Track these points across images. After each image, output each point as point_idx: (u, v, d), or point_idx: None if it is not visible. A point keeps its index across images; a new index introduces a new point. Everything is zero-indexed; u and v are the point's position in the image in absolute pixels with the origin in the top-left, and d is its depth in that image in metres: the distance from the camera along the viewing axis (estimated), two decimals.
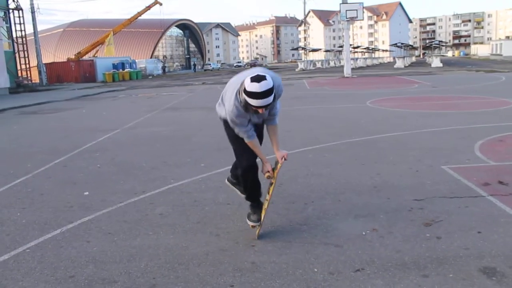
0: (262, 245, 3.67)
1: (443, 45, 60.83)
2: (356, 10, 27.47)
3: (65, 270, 3.43)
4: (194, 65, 78.80)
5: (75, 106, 18.49)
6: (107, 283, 3.19)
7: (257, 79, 3.16)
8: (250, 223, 3.91)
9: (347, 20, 28.21)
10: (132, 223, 4.39)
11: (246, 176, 3.80)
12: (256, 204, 3.93)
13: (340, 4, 28.02)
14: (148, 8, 60.44)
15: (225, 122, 3.76)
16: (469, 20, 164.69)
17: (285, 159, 3.77)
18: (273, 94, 3.21)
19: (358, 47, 73.51)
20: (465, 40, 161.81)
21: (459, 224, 3.92)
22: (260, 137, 3.86)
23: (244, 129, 3.55)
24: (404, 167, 5.94)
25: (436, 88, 18.60)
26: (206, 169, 6.29)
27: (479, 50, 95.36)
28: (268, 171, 3.75)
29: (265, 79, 3.17)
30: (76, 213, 4.76)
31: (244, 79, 3.28)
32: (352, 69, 35.87)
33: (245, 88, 3.19)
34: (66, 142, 9.26)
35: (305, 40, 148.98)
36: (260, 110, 3.29)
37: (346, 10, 27.40)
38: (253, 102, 3.18)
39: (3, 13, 37.20)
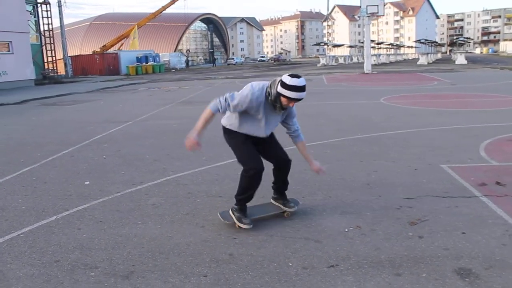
0: (244, 238, 3.73)
1: (468, 42, 59.48)
2: (377, 5, 27.12)
3: (52, 255, 3.56)
4: (214, 59, 79.05)
5: (94, 98, 18.82)
6: (88, 268, 3.30)
7: (296, 76, 3.59)
8: (245, 226, 3.92)
9: (368, 16, 27.90)
10: (124, 212, 4.51)
11: (257, 177, 3.88)
12: (244, 208, 4.05)
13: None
14: (173, 2, 60.88)
15: (227, 131, 4.05)
16: (499, 16, 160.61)
17: (323, 171, 4.26)
18: (306, 92, 3.61)
19: (381, 43, 72.54)
20: (495, 37, 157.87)
21: (445, 224, 3.89)
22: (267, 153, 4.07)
23: (225, 105, 3.75)
24: (403, 164, 5.91)
25: (455, 86, 18.29)
26: (206, 162, 6.37)
27: (508, 47, 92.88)
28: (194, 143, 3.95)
29: (302, 77, 3.62)
30: (74, 201, 4.90)
31: (274, 80, 3.68)
32: (374, 65, 35.53)
33: (285, 84, 3.54)
34: (78, 133, 9.47)
35: (329, 35, 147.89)
36: (291, 104, 3.64)
37: (367, 6, 27.08)
38: (292, 94, 3.54)
39: (31, 7, 38.03)
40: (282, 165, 4.10)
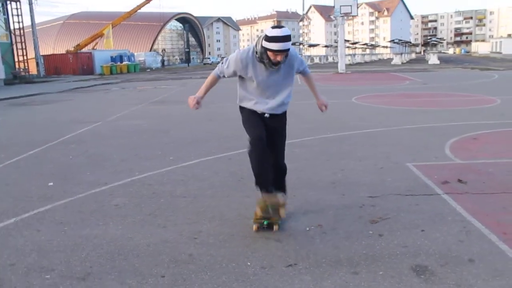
0: (204, 238, 3.70)
1: (441, 42, 60.58)
2: (351, 5, 27.39)
3: (8, 258, 3.47)
4: (184, 59, 78.63)
5: (66, 98, 18.51)
6: (44, 271, 3.22)
7: (278, 27, 3.46)
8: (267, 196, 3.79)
9: (341, 16, 28.14)
10: (86, 213, 4.43)
11: (254, 146, 3.74)
12: (267, 192, 3.80)
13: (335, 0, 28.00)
14: (148, 1, 60.37)
15: (240, 109, 3.98)
16: (471, 18, 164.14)
17: (326, 108, 4.21)
18: (290, 42, 3.47)
19: (356, 43, 73.29)
20: (467, 38, 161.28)
21: (405, 222, 3.93)
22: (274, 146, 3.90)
23: (221, 69, 3.82)
24: (369, 163, 5.96)
25: (426, 85, 18.61)
26: (173, 162, 6.31)
27: (480, 48, 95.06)
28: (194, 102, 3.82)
29: (284, 27, 3.48)
30: (35, 203, 4.79)
31: (259, 37, 3.58)
32: (349, 65, 35.88)
33: (266, 36, 3.43)
34: (46, 133, 9.29)
35: (306, 35, 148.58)
36: (278, 57, 3.49)
37: (341, 6, 27.33)
38: (274, 46, 3.41)
39: (0, 5, 37.15)
40: (274, 168, 3.90)
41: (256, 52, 3.59)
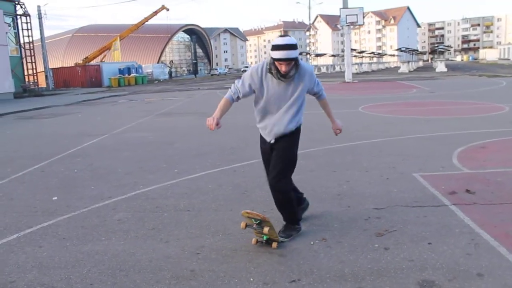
0: (207, 253, 3.65)
1: (448, 49, 60.38)
2: (356, 15, 27.40)
3: (8, 275, 3.44)
4: (196, 70, 78.95)
5: (73, 111, 18.61)
6: None
7: (283, 35, 3.50)
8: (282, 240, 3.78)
9: (347, 25, 28.14)
10: (89, 228, 4.40)
11: (271, 191, 3.83)
12: (291, 223, 3.90)
13: (340, 9, 27.97)
14: (155, 13, 60.91)
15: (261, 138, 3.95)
16: (478, 24, 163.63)
17: (340, 131, 4.26)
18: (296, 51, 3.44)
19: (363, 51, 73.25)
20: (474, 45, 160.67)
21: (412, 234, 3.85)
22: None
23: (235, 88, 3.75)
24: (375, 174, 5.89)
25: (433, 94, 18.49)
26: (177, 175, 6.28)
27: (488, 55, 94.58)
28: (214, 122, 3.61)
29: (289, 36, 3.50)
30: (39, 218, 4.77)
31: None
32: (356, 74, 35.82)
33: (272, 45, 3.47)
34: (52, 147, 9.31)
35: (313, 44, 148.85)
36: (283, 67, 3.47)
37: (346, 15, 27.35)
38: (276, 54, 3.42)
39: (10, 19, 37.64)
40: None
41: (268, 64, 3.60)
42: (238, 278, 3.19)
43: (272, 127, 3.75)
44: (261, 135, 3.93)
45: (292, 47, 3.41)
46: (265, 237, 3.67)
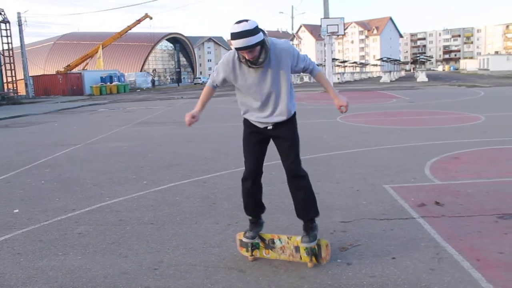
0: (165, 269, 3.53)
1: (429, 60, 61.18)
2: (337, 25, 27.56)
3: None
4: (178, 79, 78.46)
5: (50, 119, 18.31)
6: None
7: (239, 21, 3.15)
8: (244, 239, 3.66)
9: (328, 35, 28.31)
10: (47, 242, 4.25)
11: (244, 182, 3.66)
12: (253, 221, 3.75)
13: (321, 19, 28.14)
14: (138, 21, 60.62)
15: (244, 120, 3.68)
16: (459, 35, 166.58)
17: (345, 109, 3.61)
18: (257, 36, 3.12)
19: (345, 61, 73.83)
20: (455, 55, 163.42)
21: (376, 249, 3.78)
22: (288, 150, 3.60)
23: (212, 78, 3.59)
24: (346, 186, 5.83)
25: (412, 103, 18.62)
26: (146, 187, 6.14)
27: (468, 65, 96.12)
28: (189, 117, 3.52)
29: (246, 21, 3.14)
30: None
31: None
32: (338, 83, 36.03)
33: (230, 33, 3.18)
34: (22, 157, 9.09)
35: None
36: (247, 55, 3.19)
37: (327, 25, 27.50)
38: (235, 43, 3.15)
39: None
40: (288, 180, 3.65)
41: (236, 53, 3.34)
42: None
43: (265, 119, 3.53)
44: (247, 122, 3.65)
45: (251, 32, 3.09)
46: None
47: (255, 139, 3.61)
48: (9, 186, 6.63)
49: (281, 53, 3.36)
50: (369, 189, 5.64)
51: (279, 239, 3.71)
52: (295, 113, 3.67)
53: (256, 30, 3.13)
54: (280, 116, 3.52)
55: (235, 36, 3.12)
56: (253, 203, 3.72)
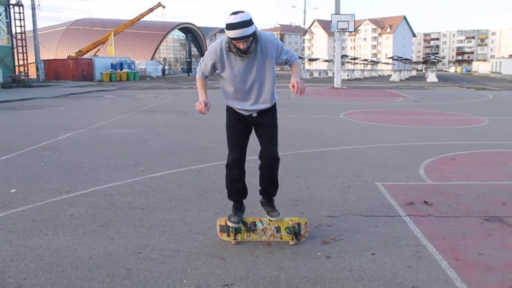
0: (149, 253, 3.62)
1: (440, 60, 60.77)
2: (348, 21, 27.48)
3: None
4: (188, 69, 78.90)
5: (57, 103, 18.47)
6: None
7: (235, 12, 3.31)
8: (230, 224, 3.83)
9: (338, 31, 28.22)
10: (39, 222, 4.36)
11: (229, 169, 3.82)
12: (237, 206, 3.93)
13: (332, 14, 28.06)
14: (151, 10, 60.71)
15: (227, 107, 3.84)
16: (473, 37, 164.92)
17: (297, 89, 3.53)
18: (252, 27, 3.30)
19: (355, 58, 73.48)
20: (469, 57, 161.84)
21: (358, 244, 3.84)
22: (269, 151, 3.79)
23: (200, 69, 3.74)
24: (338, 181, 5.88)
25: (418, 103, 18.56)
26: (141, 173, 6.24)
27: (480, 67, 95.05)
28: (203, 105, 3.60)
29: (243, 12, 3.31)
30: None
31: None
32: (347, 80, 35.95)
33: (225, 23, 3.31)
34: (25, 139, 9.22)
35: (309, 49, 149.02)
36: (241, 45, 3.36)
37: (338, 21, 27.43)
38: (231, 33, 3.30)
39: (3, 9, 37.40)
40: (265, 161, 3.81)
41: (226, 42, 3.47)
42: (172, 279, 3.17)
43: (250, 107, 3.70)
44: (231, 110, 3.80)
45: (247, 23, 3.27)
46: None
47: (241, 127, 3.78)
48: (9, 167, 6.75)
49: (267, 44, 3.56)
50: (360, 185, 5.69)
51: (261, 221, 3.91)
52: (274, 105, 3.85)
53: (251, 21, 3.34)
54: (264, 104, 3.72)
55: (233, 26, 3.27)
56: (239, 189, 3.89)
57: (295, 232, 3.81)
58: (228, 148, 3.82)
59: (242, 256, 3.58)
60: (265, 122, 3.76)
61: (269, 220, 3.90)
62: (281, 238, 3.86)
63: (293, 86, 3.51)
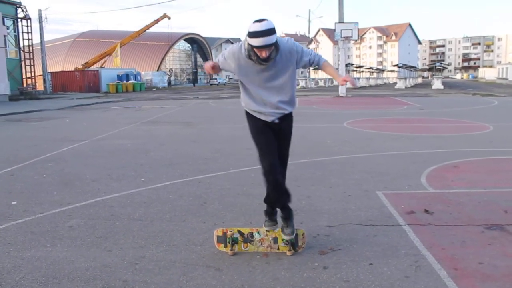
0: (145, 264, 3.62)
1: (446, 67, 60.61)
2: (351, 30, 27.54)
3: None
4: (194, 79, 79.65)
5: (62, 115, 18.60)
6: None
7: (259, 20, 3.29)
8: (266, 228, 3.86)
9: (342, 40, 28.27)
10: (38, 234, 4.37)
11: (267, 177, 3.72)
12: (270, 211, 3.93)
13: (336, 23, 28.13)
14: (157, 21, 61.20)
15: (245, 114, 3.83)
16: (479, 43, 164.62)
17: (349, 81, 3.70)
18: (275, 35, 3.30)
19: (361, 66, 73.47)
20: (475, 63, 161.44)
21: (356, 254, 3.82)
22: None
23: (219, 60, 3.70)
24: (339, 190, 5.86)
25: (423, 111, 18.50)
26: (142, 184, 6.25)
27: (487, 74, 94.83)
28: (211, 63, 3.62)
29: (266, 20, 3.30)
30: None
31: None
32: (352, 88, 35.84)
33: (248, 31, 3.28)
34: (29, 151, 9.28)
35: None
36: (263, 53, 3.34)
37: (341, 30, 27.50)
38: (254, 41, 3.26)
39: (11, 22, 37.87)
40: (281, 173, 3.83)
41: (246, 50, 3.45)
42: None
43: (271, 114, 3.69)
44: (253, 117, 3.77)
45: (271, 32, 3.26)
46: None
47: (266, 130, 3.73)
48: (11, 179, 6.80)
49: (286, 50, 3.54)
50: (361, 194, 5.66)
51: (258, 232, 3.89)
52: (291, 112, 3.85)
53: (274, 29, 3.31)
54: (284, 110, 3.71)
55: (258, 34, 3.25)
56: (280, 191, 3.78)
57: (292, 243, 3.80)
58: (260, 155, 3.72)
59: (238, 267, 3.56)
60: (284, 128, 3.77)
61: (266, 231, 3.89)
62: (278, 249, 3.85)
63: (345, 81, 3.66)
